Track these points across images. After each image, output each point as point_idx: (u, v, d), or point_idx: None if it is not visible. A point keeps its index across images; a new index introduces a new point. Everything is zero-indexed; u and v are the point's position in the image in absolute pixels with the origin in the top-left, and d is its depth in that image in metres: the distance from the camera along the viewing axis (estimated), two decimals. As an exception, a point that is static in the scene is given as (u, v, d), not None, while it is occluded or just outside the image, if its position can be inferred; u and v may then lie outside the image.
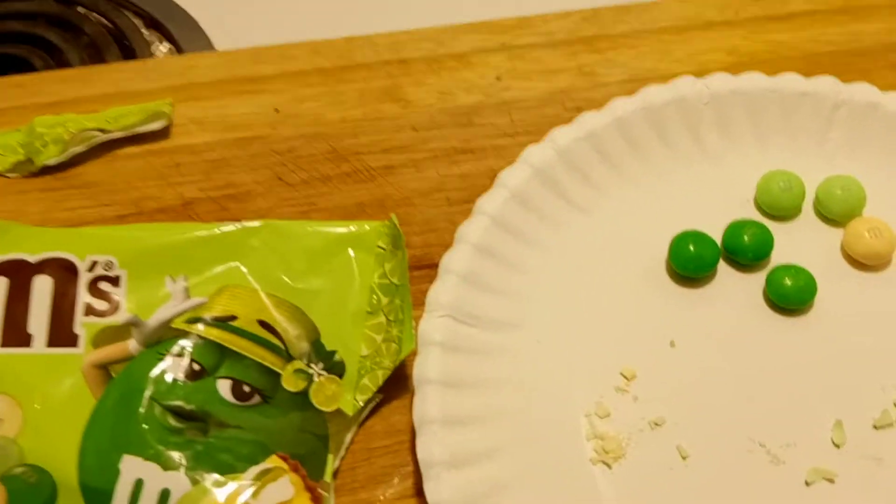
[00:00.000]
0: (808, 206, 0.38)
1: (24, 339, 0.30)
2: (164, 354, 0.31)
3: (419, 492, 0.31)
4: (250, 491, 0.29)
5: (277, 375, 0.31)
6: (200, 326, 0.31)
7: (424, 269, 0.36)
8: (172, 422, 0.30)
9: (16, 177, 0.39)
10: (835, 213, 0.37)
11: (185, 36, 0.48)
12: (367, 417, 0.33)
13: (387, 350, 0.32)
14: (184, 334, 0.31)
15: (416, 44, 0.43)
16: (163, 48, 0.48)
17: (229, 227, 0.34)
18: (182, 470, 0.29)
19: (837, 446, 0.32)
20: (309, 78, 0.42)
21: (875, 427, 0.33)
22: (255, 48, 0.43)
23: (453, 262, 0.34)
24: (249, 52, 0.43)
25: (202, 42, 0.48)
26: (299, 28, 0.46)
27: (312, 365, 0.32)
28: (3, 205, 0.38)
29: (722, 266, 0.36)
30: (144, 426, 0.29)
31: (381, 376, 0.32)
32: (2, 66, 0.46)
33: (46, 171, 0.39)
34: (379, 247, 0.34)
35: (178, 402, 0.30)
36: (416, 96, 0.41)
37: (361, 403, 0.32)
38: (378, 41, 0.43)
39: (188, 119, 0.41)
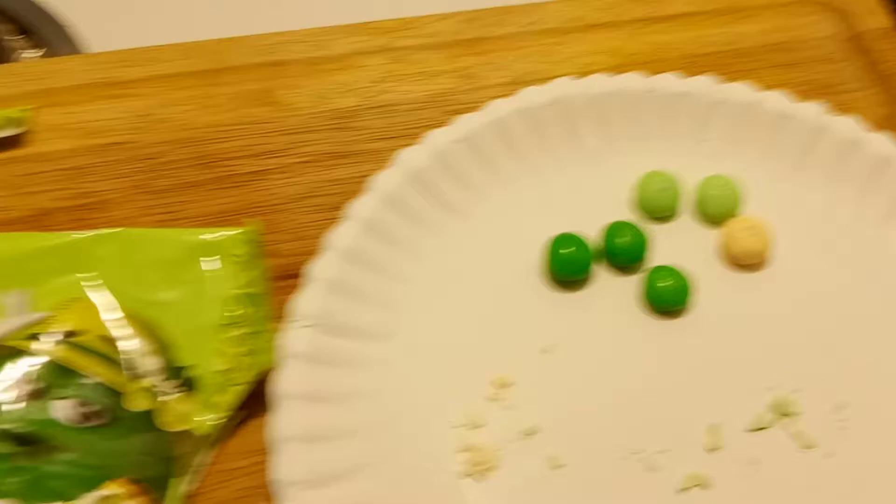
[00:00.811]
0: (686, 207, 0.37)
1: None
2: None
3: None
4: (86, 519, 0.27)
5: (120, 395, 0.29)
6: (39, 343, 0.29)
7: (292, 278, 0.34)
8: (4, 448, 0.27)
9: None
10: (712, 214, 0.36)
11: (58, 42, 0.46)
12: (226, 437, 0.31)
13: (243, 364, 0.31)
14: (19, 353, 0.29)
15: (291, 46, 0.42)
16: (32, 54, 0.46)
17: (78, 236, 0.32)
18: (11, 499, 0.26)
19: (713, 451, 0.32)
20: (179, 81, 0.40)
21: (750, 430, 0.32)
22: (122, 50, 0.41)
23: (319, 269, 0.33)
24: (117, 55, 0.41)
25: (74, 48, 0.45)
26: (173, 30, 0.44)
27: (162, 382, 0.30)
28: None
29: (599, 269, 0.35)
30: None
31: (236, 393, 0.30)
32: None
33: None
34: (237, 256, 0.32)
35: (10, 426, 0.28)
36: (291, 100, 0.40)
37: (213, 423, 0.30)
38: (252, 43, 0.42)
39: (48, 125, 0.38)
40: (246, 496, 0.30)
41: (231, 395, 0.30)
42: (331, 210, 0.37)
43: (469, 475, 0.31)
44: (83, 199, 0.36)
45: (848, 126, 0.38)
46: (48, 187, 0.37)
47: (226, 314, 0.31)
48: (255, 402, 0.31)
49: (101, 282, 0.31)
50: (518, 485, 0.31)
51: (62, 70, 0.40)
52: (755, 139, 0.38)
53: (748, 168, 0.38)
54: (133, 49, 0.41)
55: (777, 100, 0.38)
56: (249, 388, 0.31)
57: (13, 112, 0.38)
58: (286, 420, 0.29)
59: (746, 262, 0.35)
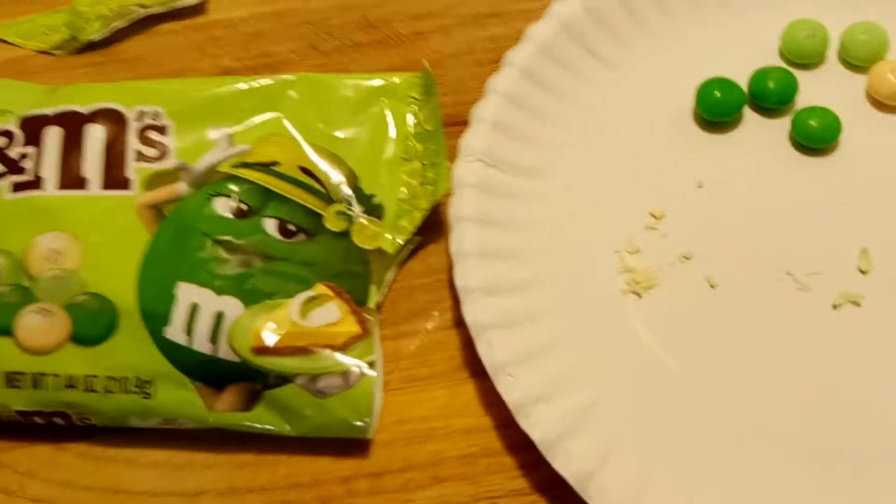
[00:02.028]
0: (833, 54, 0.38)
1: (80, 183, 0.32)
2: (212, 195, 0.32)
3: (458, 323, 0.33)
4: (299, 312, 0.30)
5: (320, 216, 0.33)
6: (246, 170, 0.33)
7: (457, 125, 0.37)
8: (224, 254, 0.31)
9: (62, 54, 0.40)
10: (859, 58, 0.37)
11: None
12: (407, 259, 0.35)
13: (423, 192, 0.34)
14: (230, 178, 0.33)
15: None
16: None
17: (267, 81, 0.35)
18: (235, 294, 0.30)
19: (863, 273, 0.33)
20: (338, -48, 0.43)
21: (900, 253, 0.34)
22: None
23: (484, 111, 0.35)
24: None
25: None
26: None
27: (353, 208, 0.33)
28: (51, 80, 0.39)
29: (748, 112, 0.37)
30: (198, 256, 0.31)
31: (418, 217, 0.33)
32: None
33: (90, 47, 0.40)
34: (412, 97, 0.35)
35: (228, 237, 0.31)
36: (445, -33, 0.42)
37: (401, 242, 0.33)
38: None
39: (224, -6, 0.42)
40: (425, 308, 0.34)
41: (413, 219, 0.33)
42: (488, 65, 0.39)
43: (629, 292, 0.33)
44: (262, 60, 0.40)
45: None
46: (230, 50, 0.40)
47: (405, 149, 0.34)
48: (430, 230, 0.35)
49: (293, 119, 0.34)
50: (675, 302, 0.33)
51: (233, -55, 0.44)
52: (902, -13, 0.39)
53: (893, 15, 0.38)
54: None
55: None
56: (427, 213, 0.34)
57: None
58: (464, 238, 0.32)
59: (894, 102, 0.36)
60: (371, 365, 0.30)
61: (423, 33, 0.40)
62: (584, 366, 0.31)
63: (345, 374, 0.30)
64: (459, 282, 0.32)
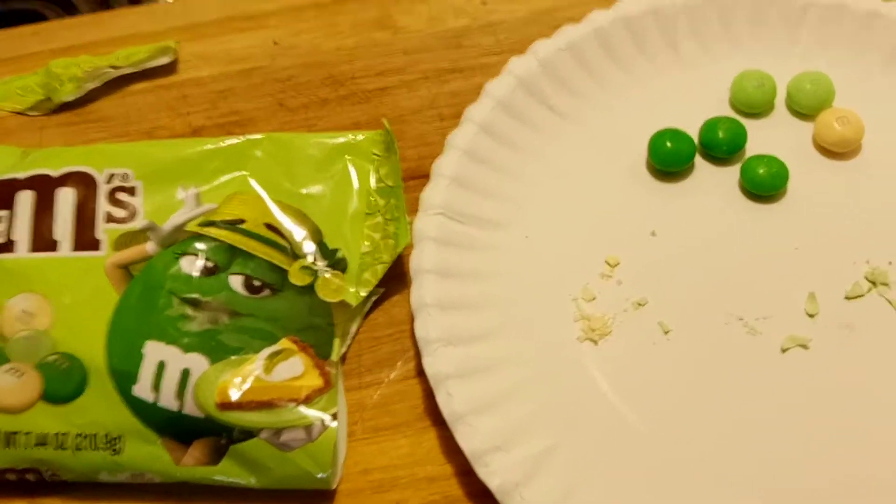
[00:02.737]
0: (780, 103, 0.40)
1: (51, 245, 0.33)
2: (179, 254, 0.33)
3: (420, 372, 0.34)
4: (262, 368, 0.31)
5: (285, 272, 0.34)
6: (212, 229, 0.34)
7: (418, 178, 0.38)
8: (190, 312, 0.32)
9: (36, 115, 0.42)
10: (805, 107, 0.39)
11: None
12: (370, 311, 0.36)
13: (385, 246, 0.35)
14: (197, 237, 0.34)
15: (405, -25, 0.46)
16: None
17: (234, 141, 0.36)
18: (201, 351, 0.31)
19: (811, 316, 0.34)
20: (305, 13, 0.45)
21: (847, 298, 0.35)
22: (253, -12, 0.46)
23: (444, 166, 0.37)
24: (248, -8, 0.46)
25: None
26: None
27: (317, 263, 0.34)
28: (25, 140, 0.41)
29: (699, 161, 0.38)
30: (165, 315, 0.32)
31: (380, 270, 0.34)
32: (17, 20, 0.48)
33: (64, 108, 0.42)
34: (374, 154, 0.36)
35: (195, 295, 0.32)
36: (407, 23, 0.44)
37: (364, 294, 0.34)
38: (369, -25, 0.46)
39: (193, 55, 0.43)
40: (388, 359, 0.35)
41: (375, 272, 0.34)
42: (449, 119, 0.41)
43: (585, 340, 0.34)
44: (231, 117, 0.41)
45: (937, 21, 0.40)
46: (200, 108, 0.41)
47: (368, 204, 0.36)
48: (393, 282, 0.36)
49: (259, 177, 0.35)
50: (630, 348, 0.34)
51: (203, 6, 0.45)
52: (845, 38, 0.40)
53: (839, 65, 0.40)
54: (263, -14, 0.46)
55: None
56: (388, 265, 0.35)
57: (165, 43, 0.43)
58: (424, 290, 0.34)
59: (839, 149, 0.38)
60: (334, 417, 0.31)
61: (387, 89, 0.42)
62: (542, 413, 0.32)
63: (308, 427, 0.31)
64: (420, 333, 0.33)
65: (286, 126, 0.41)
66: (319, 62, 0.43)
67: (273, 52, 0.43)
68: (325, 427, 0.31)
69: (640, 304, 0.35)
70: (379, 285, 0.35)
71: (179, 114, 0.41)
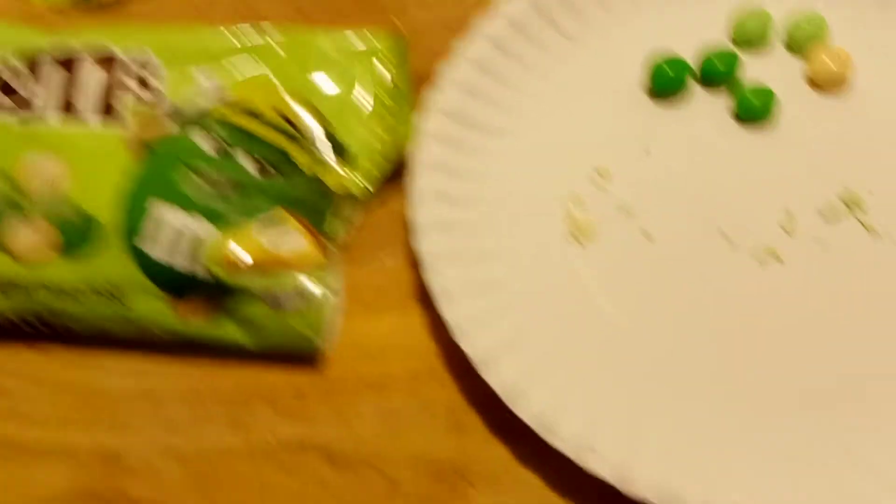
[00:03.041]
0: (776, 40, 0.41)
1: (76, 116, 0.35)
2: (198, 134, 0.35)
3: (412, 261, 0.36)
4: (268, 237, 0.33)
5: (295, 160, 0.36)
6: (230, 113, 0.36)
7: (425, 81, 0.40)
8: (202, 184, 0.34)
9: (71, 10, 0.44)
10: (800, 43, 0.40)
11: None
12: (370, 201, 0.38)
13: (392, 144, 0.37)
14: (216, 120, 0.36)
15: None
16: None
17: (257, 39, 0.38)
18: (210, 219, 0.33)
19: (788, 232, 0.36)
20: None
21: (823, 218, 0.36)
22: None
23: (451, 72, 0.39)
24: None
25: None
26: None
27: (326, 154, 0.36)
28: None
29: (695, 87, 0.40)
30: (178, 183, 0.34)
31: (386, 166, 0.36)
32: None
33: (99, 6, 0.43)
34: (388, 58, 0.38)
35: (208, 170, 0.34)
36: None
37: (368, 187, 0.36)
38: None
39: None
40: (384, 244, 0.37)
41: (381, 167, 0.36)
42: (460, 31, 0.42)
43: (571, 239, 0.36)
44: (251, 20, 0.43)
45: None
46: (224, 11, 0.43)
47: (379, 104, 0.37)
48: (392, 177, 0.38)
49: (277, 73, 0.37)
50: (614, 252, 0.36)
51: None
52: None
53: (835, 6, 0.41)
54: None
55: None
56: (393, 163, 0.37)
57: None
58: (422, 181, 0.36)
59: (828, 86, 0.39)
60: (330, 289, 0.33)
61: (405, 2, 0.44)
62: (524, 297, 0.34)
63: (305, 294, 0.33)
64: (415, 217, 0.35)
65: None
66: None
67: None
68: (322, 295, 0.33)
69: (627, 212, 0.37)
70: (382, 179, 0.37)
71: (206, 16, 0.43)
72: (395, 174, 0.38)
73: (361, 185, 0.36)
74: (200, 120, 0.36)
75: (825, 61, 0.39)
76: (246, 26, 0.38)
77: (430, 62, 0.41)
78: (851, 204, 0.37)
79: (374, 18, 0.43)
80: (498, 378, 0.31)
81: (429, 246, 0.34)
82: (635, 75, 0.40)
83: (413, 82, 0.40)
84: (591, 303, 0.35)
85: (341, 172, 0.36)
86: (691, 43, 0.40)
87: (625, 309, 0.35)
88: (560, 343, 0.33)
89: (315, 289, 0.33)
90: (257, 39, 0.38)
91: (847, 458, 0.32)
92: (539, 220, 0.37)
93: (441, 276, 0.33)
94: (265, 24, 0.38)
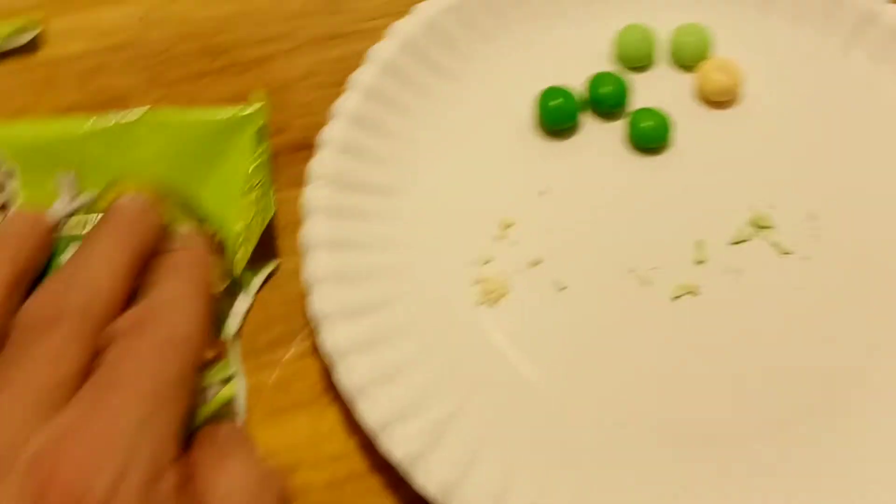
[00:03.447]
0: (662, 56, 0.40)
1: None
2: (60, 247, 0.31)
3: (317, 349, 0.33)
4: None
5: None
6: (92, 219, 0.32)
7: (306, 149, 0.37)
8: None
9: None
10: (686, 59, 0.39)
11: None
12: (263, 289, 0.35)
13: (257, 222, 0.34)
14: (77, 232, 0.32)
15: (281, -62, 0.44)
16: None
17: (113, 121, 0.34)
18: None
19: (700, 263, 0.35)
20: (177, -20, 0.43)
21: (732, 243, 0.36)
22: (119, -43, 0.44)
23: (330, 134, 0.36)
24: (115, -38, 0.43)
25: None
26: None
27: None
28: None
29: (586, 117, 0.39)
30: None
31: (250, 248, 0.34)
32: None
33: (-81, 94, 0.39)
34: (254, 129, 0.35)
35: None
36: (286, -12, 0.42)
37: (236, 274, 0.33)
38: (244, -61, 0.44)
39: (60, 30, 0.41)
40: (284, 337, 0.34)
41: (246, 251, 0.33)
42: (334, 86, 0.39)
43: (482, 303, 0.34)
44: (103, 95, 0.39)
45: (807, -34, 0.40)
46: (70, 87, 0.39)
47: (246, 180, 0.34)
48: (287, 257, 0.35)
49: (141, 161, 0.34)
50: (526, 307, 0.34)
51: (65, -20, 0.43)
52: (721, -13, 0.41)
53: (717, 16, 0.41)
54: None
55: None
56: (256, 243, 0.34)
57: (21, 21, 0.40)
58: (317, 264, 0.33)
59: (720, 99, 0.39)
60: (226, 381, 0.30)
61: (268, 58, 0.40)
62: (443, 381, 0.32)
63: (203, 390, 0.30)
64: (314, 309, 0.32)
65: (164, 101, 0.39)
66: (195, 32, 0.41)
67: (145, 23, 0.41)
68: (217, 391, 0.30)
69: (534, 264, 0.35)
70: (272, 260, 0.34)
71: (47, 96, 0.39)
72: (284, 251, 0.35)
73: (234, 273, 0.33)
74: (62, 230, 0.32)
75: (713, 75, 0.38)
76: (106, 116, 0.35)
77: (309, 124, 0.38)
78: (759, 225, 0.36)
79: (239, 84, 0.39)
80: (428, 481, 0.29)
81: (333, 340, 0.31)
82: (526, 111, 0.38)
83: (294, 148, 0.37)
84: (509, 366, 0.33)
85: (217, 262, 0.33)
86: (580, 72, 0.39)
87: (544, 366, 0.33)
88: (491, 425, 0.31)
89: (212, 384, 0.30)
90: (120, 129, 0.34)
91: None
92: (449, 287, 0.34)
93: (351, 372, 0.31)
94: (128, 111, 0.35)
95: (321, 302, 0.32)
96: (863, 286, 0.35)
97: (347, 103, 0.36)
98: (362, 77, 0.37)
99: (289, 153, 0.38)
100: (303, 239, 0.33)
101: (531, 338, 0.34)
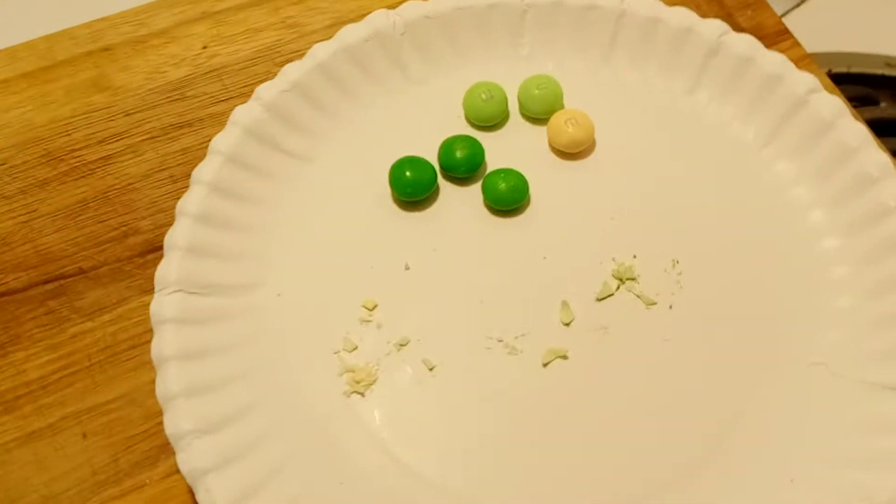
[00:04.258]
0: (514, 110, 0.40)
1: None
2: None
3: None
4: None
5: None
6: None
7: (158, 251, 0.36)
8: None
9: None
10: (536, 112, 0.39)
11: None
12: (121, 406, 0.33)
13: None
14: None
15: (116, 28, 0.42)
16: None
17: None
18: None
19: (566, 325, 0.35)
20: (12, 85, 0.41)
21: (598, 299, 0.35)
22: (-52, 65, 0.42)
23: (176, 237, 0.34)
24: (-56, 70, 0.42)
25: None
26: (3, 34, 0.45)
27: None
28: None
29: (443, 183, 0.38)
30: None
31: None
32: None
33: None
34: None
35: None
36: (125, 81, 0.41)
37: None
38: (77, 33, 0.42)
39: None
40: (148, 457, 0.33)
41: None
42: (183, 179, 0.38)
43: (353, 392, 0.33)
44: (-62, 217, 0.37)
45: (647, 7, 0.40)
46: None
47: None
48: (142, 372, 0.34)
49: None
50: (398, 391, 0.33)
51: None
52: (566, 37, 0.41)
53: (565, 66, 0.40)
54: (-42, 61, 0.42)
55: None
56: None
57: None
58: (169, 380, 0.31)
59: (573, 150, 0.38)
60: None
61: (112, 156, 0.39)
62: (319, 485, 0.31)
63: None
64: (170, 429, 0.31)
65: (5, 216, 0.37)
66: (34, 138, 0.39)
67: (-22, 134, 0.39)
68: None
69: (401, 345, 0.34)
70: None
71: None
72: (144, 367, 0.34)
73: None
74: None
75: (564, 127, 0.38)
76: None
77: (159, 223, 0.37)
78: (623, 276, 0.35)
79: (83, 189, 0.38)
80: None
81: (192, 462, 0.29)
82: (381, 184, 0.38)
83: (144, 251, 0.36)
84: (396, 462, 0.32)
85: None
86: (430, 135, 0.38)
87: (426, 455, 0.32)
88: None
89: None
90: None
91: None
92: (316, 382, 0.33)
93: (213, 494, 0.29)
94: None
95: (176, 420, 0.31)
96: (730, 330, 0.34)
97: (191, 200, 0.35)
98: (205, 170, 0.36)
99: (142, 255, 0.36)
100: (153, 353, 0.32)
101: (406, 424, 0.33)
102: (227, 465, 0.30)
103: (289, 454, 0.32)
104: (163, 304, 0.33)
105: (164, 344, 0.32)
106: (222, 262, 0.35)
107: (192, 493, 0.31)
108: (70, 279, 0.36)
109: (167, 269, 0.34)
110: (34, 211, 0.37)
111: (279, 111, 0.38)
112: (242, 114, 0.37)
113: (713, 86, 0.39)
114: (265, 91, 0.38)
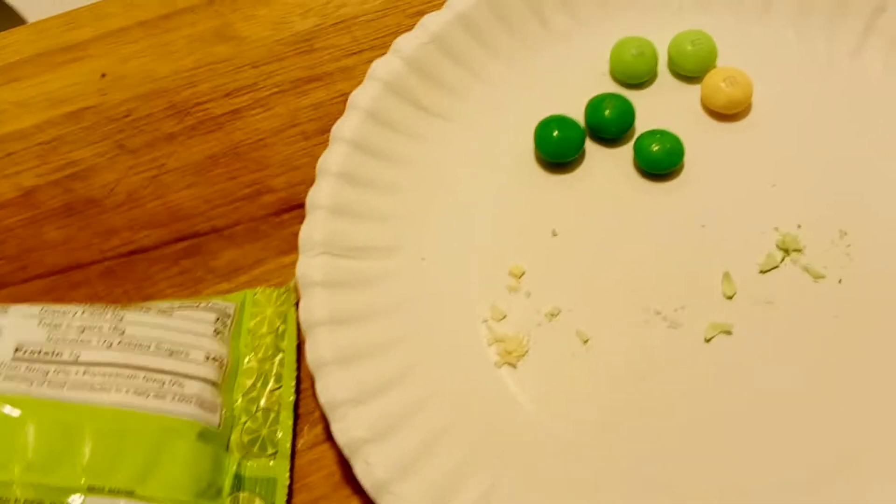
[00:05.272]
0: (663, 68, 0.37)
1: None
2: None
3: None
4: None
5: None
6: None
7: (294, 210, 0.35)
8: None
9: None
10: (689, 69, 0.37)
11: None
12: (264, 373, 0.32)
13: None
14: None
15: (238, -24, 0.41)
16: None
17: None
18: None
19: (729, 298, 0.33)
20: (131, 34, 0.39)
21: (761, 272, 0.33)
22: (66, 13, 0.40)
23: (319, 196, 0.33)
24: (61, 19, 0.40)
25: (15, 21, 0.44)
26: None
27: None
28: None
29: (589, 144, 0.36)
30: None
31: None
32: None
33: None
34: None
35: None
36: (250, 31, 0.39)
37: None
38: (197, -20, 0.41)
39: (10, 103, 0.38)
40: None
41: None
42: (315, 135, 0.37)
43: (503, 364, 0.32)
44: (68, 170, 0.36)
45: (807, -41, 0.38)
46: (29, 164, 0.36)
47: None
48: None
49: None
50: (550, 365, 0.32)
51: (10, 45, 0.39)
52: (719, -11, 0.38)
53: (717, 21, 0.38)
54: (76, 9, 0.40)
55: (734, -56, 0.38)
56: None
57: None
58: (321, 347, 0.30)
59: (729, 111, 0.36)
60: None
61: (240, 110, 0.37)
62: (473, 457, 0.30)
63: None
64: (323, 397, 0.29)
65: (132, 171, 0.36)
66: (157, 90, 0.38)
67: (102, 86, 0.38)
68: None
69: (553, 315, 0.33)
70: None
71: (5, 175, 0.36)
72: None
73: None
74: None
75: (720, 86, 0.36)
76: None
77: (293, 181, 0.35)
78: (788, 248, 0.33)
79: (212, 144, 0.36)
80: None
81: (349, 431, 0.28)
82: (526, 147, 0.36)
83: (279, 209, 0.34)
84: (548, 435, 0.30)
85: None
86: (576, 94, 0.36)
87: (576, 425, 0.31)
88: (529, 492, 0.29)
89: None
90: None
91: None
92: (465, 352, 0.32)
93: (372, 466, 0.28)
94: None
95: (330, 388, 0.29)
96: (902, 304, 0.32)
97: (333, 158, 0.34)
98: (345, 127, 0.34)
99: (278, 214, 0.35)
100: (302, 318, 0.31)
101: (559, 398, 0.31)
102: (384, 437, 0.29)
103: (445, 427, 0.30)
104: (310, 267, 0.31)
105: (314, 308, 0.31)
106: (366, 223, 0.33)
107: (341, 464, 0.30)
108: (203, 237, 0.34)
109: (312, 230, 0.32)
110: (162, 165, 0.36)
111: (419, 65, 0.36)
112: (382, 67, 0.35)
113: (881, 45, 0.37)
114: (405, 43, 0.36)
